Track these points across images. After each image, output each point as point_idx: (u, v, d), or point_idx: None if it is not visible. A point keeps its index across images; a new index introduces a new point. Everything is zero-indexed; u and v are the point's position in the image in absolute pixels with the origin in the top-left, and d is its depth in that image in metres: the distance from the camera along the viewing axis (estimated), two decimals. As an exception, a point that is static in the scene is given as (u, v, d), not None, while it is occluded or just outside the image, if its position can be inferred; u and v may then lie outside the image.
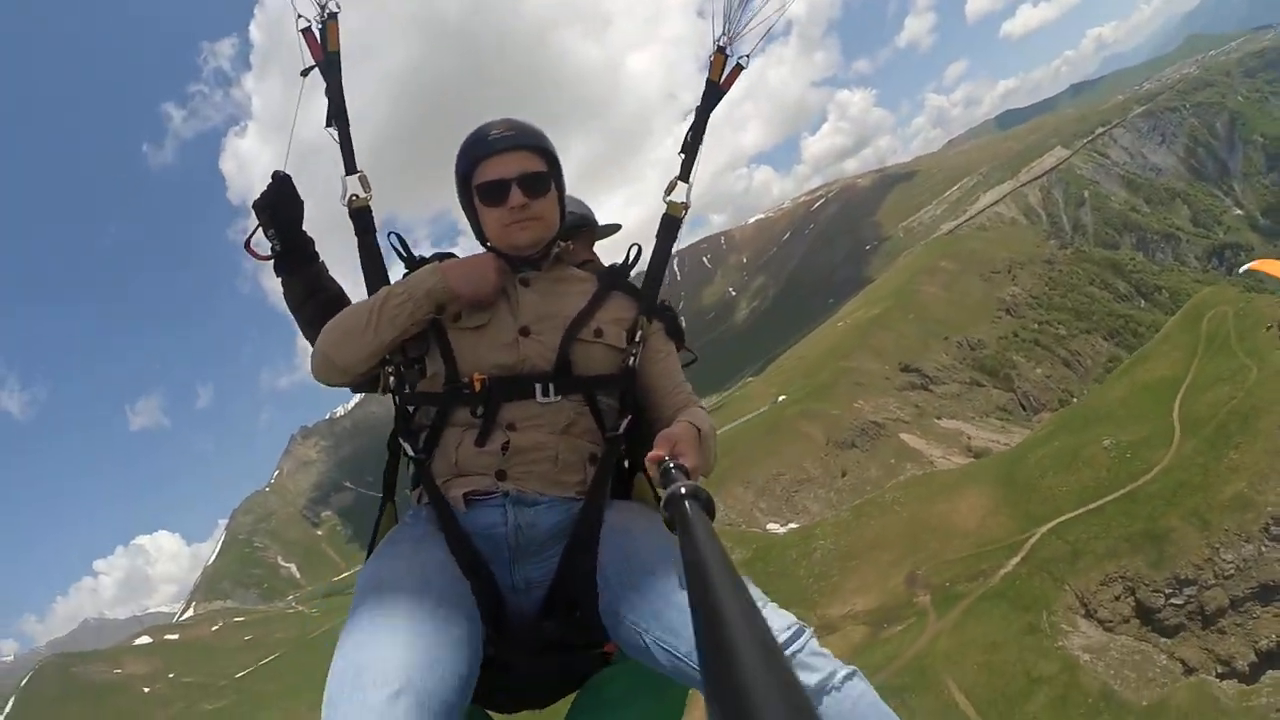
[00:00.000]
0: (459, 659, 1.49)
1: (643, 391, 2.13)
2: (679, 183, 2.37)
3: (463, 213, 2.18)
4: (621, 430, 2.01)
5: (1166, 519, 31.97)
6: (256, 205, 2.28)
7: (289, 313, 2.34)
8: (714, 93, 2.37)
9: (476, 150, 2.03)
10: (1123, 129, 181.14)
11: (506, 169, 2.00)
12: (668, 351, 2.19)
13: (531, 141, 2.05)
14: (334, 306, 2.22)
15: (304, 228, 2.34)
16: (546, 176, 2.06)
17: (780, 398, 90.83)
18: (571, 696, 1.99)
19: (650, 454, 1.52)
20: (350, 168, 2.27)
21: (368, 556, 1.90)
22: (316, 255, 2.35)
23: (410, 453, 1.94)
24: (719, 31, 2.32)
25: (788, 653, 1.48)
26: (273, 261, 2.29)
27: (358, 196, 2.25)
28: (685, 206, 2.35)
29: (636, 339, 2.10)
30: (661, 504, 1.11)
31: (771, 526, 63.37)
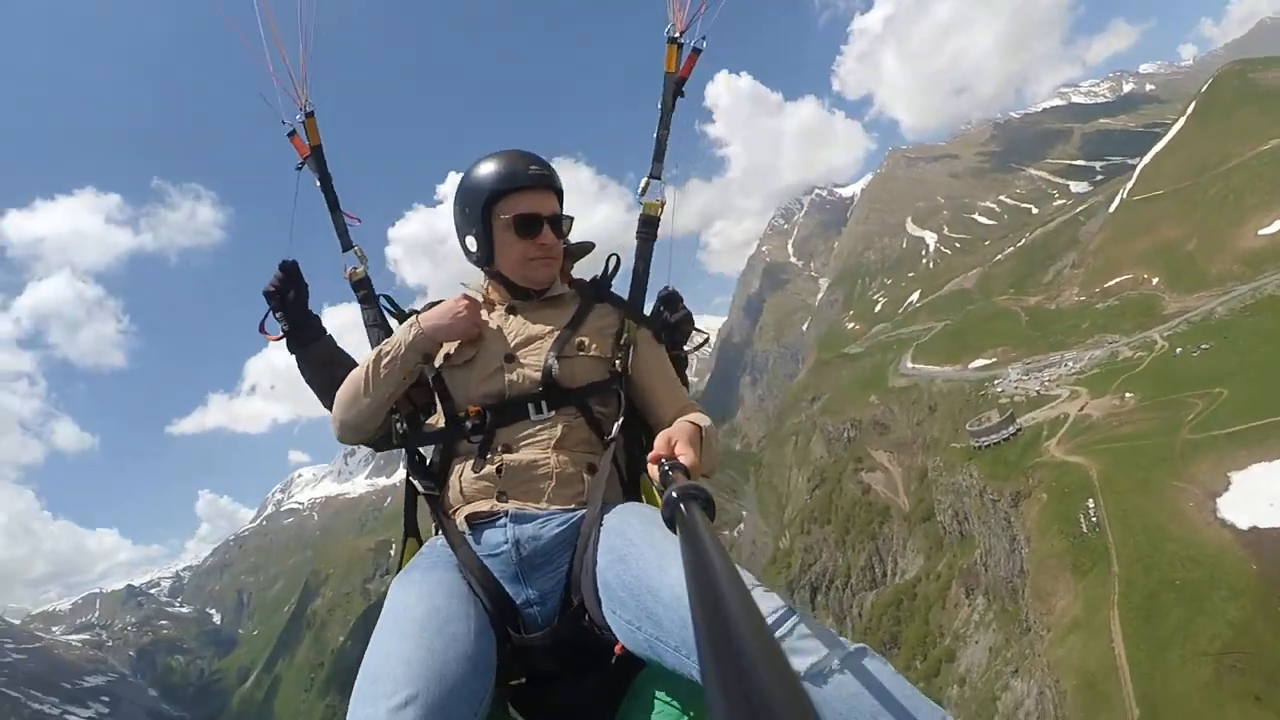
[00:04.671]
0: (468, 672, 1.54)
1: (639, 398, 2.15)
2: (652, 181, 2.39)
3: (458, 230, 2.21)
4: (614, 434, 2.01)
5: None
6: (267, 293, 2.46)
7: (307, 385, 2.52)
8: (674, 82, 2.38)
9: (511, 180, 2.06)
10: None
11: (542, 206, 2.08)
12: (659, 356, 2.21)
13: (558, 184, 2.13)
14: (344, 378, 2.40)
15: (310, 308, 2.53)
16: (566, 220, 2.17)
17: None
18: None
19: (650, 454, 1.54)
20: (345, 245, 2.55)
21: None
22: (323, 330, 2.54)
23: (421, 490, 2.02)
24: (669, 24, 2.36)
25: (775, 636, 1.39)
26: (285, 340, 2.50)
27: (355, 269, 2.50)
28: (662, 205, 2.37)
29: (622, 343, 2.13)
30: (661, 504, 1.08)
31: None
